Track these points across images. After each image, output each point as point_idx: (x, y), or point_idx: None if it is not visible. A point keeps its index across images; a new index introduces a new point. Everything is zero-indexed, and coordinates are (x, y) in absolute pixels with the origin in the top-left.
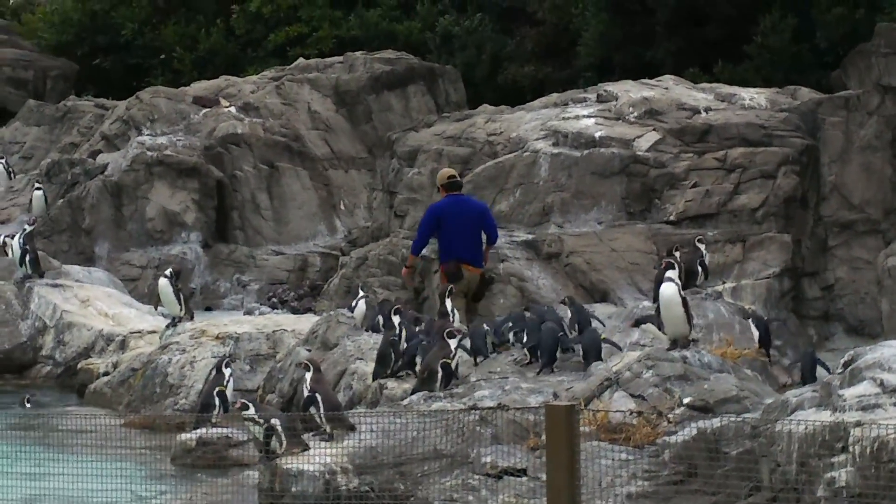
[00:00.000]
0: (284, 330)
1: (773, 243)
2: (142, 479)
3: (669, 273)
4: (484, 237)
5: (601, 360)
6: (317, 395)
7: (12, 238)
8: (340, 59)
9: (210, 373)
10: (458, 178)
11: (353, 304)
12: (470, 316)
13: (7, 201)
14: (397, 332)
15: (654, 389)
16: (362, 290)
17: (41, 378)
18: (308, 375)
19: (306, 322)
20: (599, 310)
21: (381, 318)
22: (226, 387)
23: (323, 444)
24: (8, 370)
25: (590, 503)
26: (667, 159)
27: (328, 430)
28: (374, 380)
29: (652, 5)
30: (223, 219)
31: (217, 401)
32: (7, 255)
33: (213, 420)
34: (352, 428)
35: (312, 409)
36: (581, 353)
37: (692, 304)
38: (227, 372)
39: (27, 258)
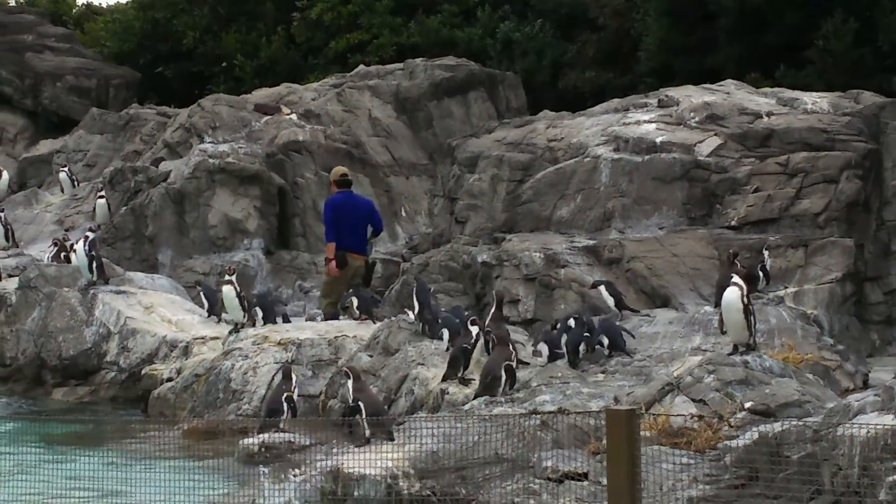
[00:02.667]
0: (346, 336)
1: (835, 248)
2: (204, 484)
3: (735, 278)
4: (370, 230)
5: (625, 344)
6: (360, 402)
7: (76, 244)
8: (401, 65)
9: (272, 378)
10: (349, 177)
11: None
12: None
13: (71, 209)
14: (473, 340)
15: (715, 394)
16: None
17: (105, 384)
18: (350, 383)
19: (367, 328)
20: (660, 315)
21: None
22: (293, 392)
23: (385, 447)
24: (73, 376)
25: None
26: (728, 164)
27: (368, 434)
28: (443, 381)
29: (713, 11)
30: (285, 225)
31: (285, 406)
32: (70, 262)
33: (282, 425)
34: (391, 436)
35: (357, 416)
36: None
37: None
38: (294, 378)
39: (94, 265)
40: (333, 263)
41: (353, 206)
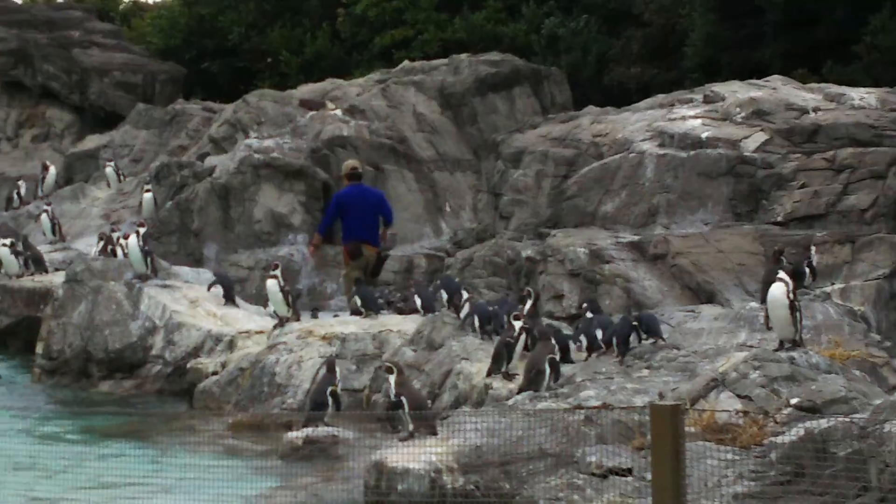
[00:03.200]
0: (390, 330)
1: (882, 244)
2: (249, 477)
3: (781, 274)
4: (381, 221)
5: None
6: (402, 397)
7: (125, 238)
8: (445, 61)
9: (317, 372)
10: (359, 170)
11: (464, 316)
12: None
13: (117, 203)
14: (515, 334)
15: (760, 390)
16: (466, 291)
17: (151, 377)
18: (391, 378)
19: (412, 323)
20: (705, 311)
21: (476, 318)
22: (337, 386)
23: (429, 441)
24: (119, 369)
25: (696, 503)
26: (774, 160)
27: (411, 429)
28: (487, 376)
29: (760, 6)
30: None
31: (330, 399)
32: (116, 256)
33: (326, 419)
34: (434, 430)
35: (399, 411)
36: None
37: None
38: (338, 372)
39: (148, 259)
40: (311, 250)
41: (362, 198)
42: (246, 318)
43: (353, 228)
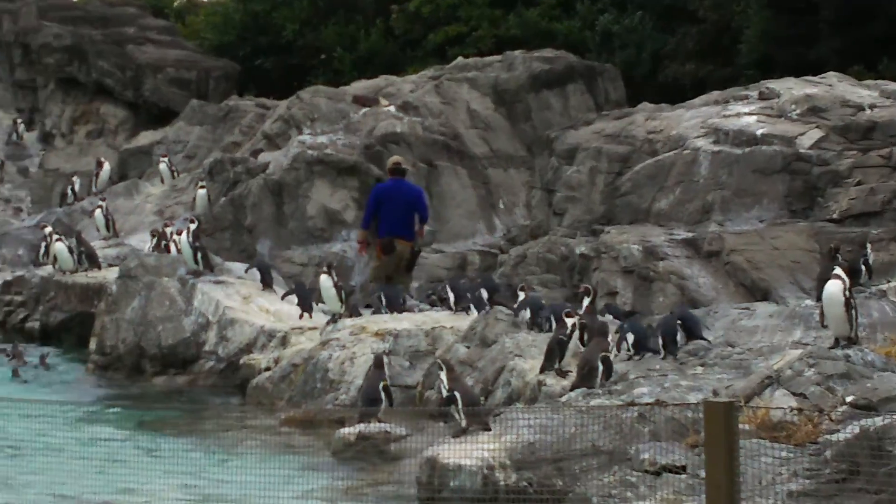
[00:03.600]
0: (443, 327)
1: None
2: (301, 473)
3: (837, 271)
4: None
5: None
6: (455, 392)
7: (178, 234)
8: (499, 58)
9: (368, 369)
10: (402, 166)
11: (517, 306)
12: (404, 279)
13: (171, 199)
14: (568, 332)
15: (815, 388)
16: (523, 291)
17: (204, 373)
18: (443, 375)
19: (465, 319)
20: (760, 308)
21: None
22: (387, 381)
23: (482, 438)
24: (172, 365)
25: (750, 501)
26: (830, 157)
27: (464, 425)
28: (540, 373)
29: (816, 2)
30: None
31: (382, 395)
32: (170, 251)
33: (380, 415)
34: (487, 426)
35: (452, 407)
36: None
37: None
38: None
39: (198, 255)
40: (361, 247)
41: (399, 194)
42: (299, 314)
43: (388, 222)
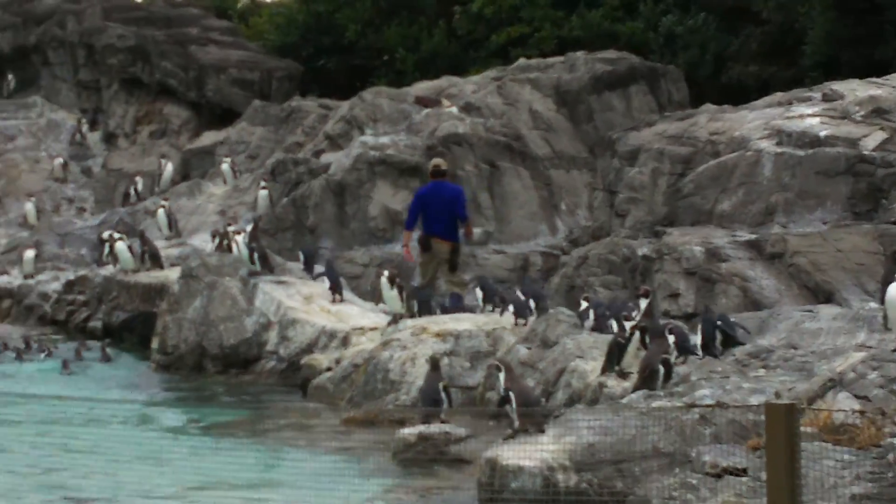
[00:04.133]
0: (504, 328)
1: None
2: (362, 474)
3: None
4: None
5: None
6: (510, 392)
7: (238, 234)
8: (562, 58)
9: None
10: (441, 168)
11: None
12: (450, 278)
13: (233, 200)
14: (627, 334)
15: (879, 391)
16: (585, 301)
17: (265, 373)
18: (501, 375)
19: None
20: (823, 311)
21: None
22: (451, 383)
23: (543, 439)
24: (233, 365)
25: None
26: (894, 159)
27: (517, 426)
28: (601, 374)
29: (880, 4)
30: None
31: (443, 396)
32: (232, 251)
33: (442, 416)
34: (541, 428)
35: (507, 407)
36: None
37: None
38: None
39: (255, 255)
40: (406, 251)
41: (438, 195)
42: (360, 315)
43: (428, 223)
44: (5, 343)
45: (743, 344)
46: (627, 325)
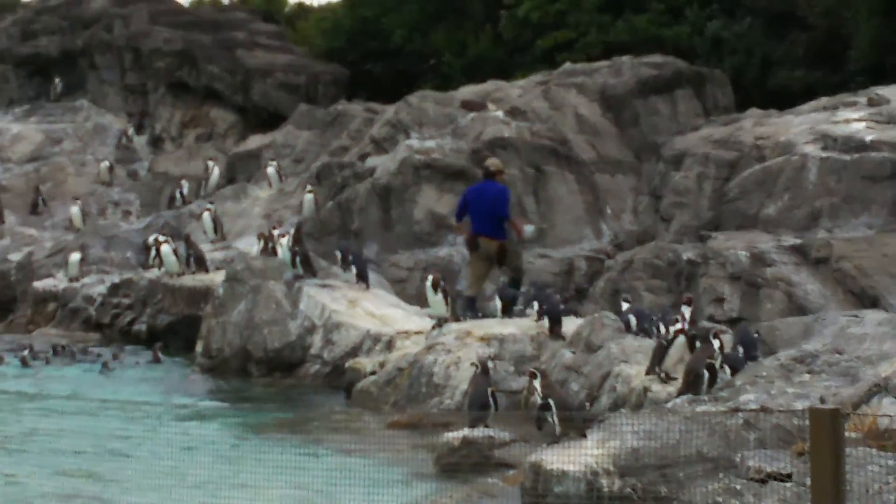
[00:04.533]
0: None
1: None
2: (406, 477)
3: None
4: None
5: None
6: (550, 399)
7: (282, 238)
8: (607, 63)
9: (473, 374)
10: (492, 168)
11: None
12: (511, 275)
13: (278, 203)
14: (669, 337)
15: None
16: (626, 301)
17: (309, 377)
18: (536, 383)
19: (571, 324)
20: (869, 316)
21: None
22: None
23: (587, 444)
24: (277, 368)
25: None
26: None
27: (558, 432)
28: (646, 374)
29: None
30: None
31: (491, 401)
32: (277, 255)
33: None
34: (582, 433)
35: (547, 414)
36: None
37: None
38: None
39: (297, 259)
40: (458, 231)
41: (482, 194)
42: (404, 318)
43: (473, 222)
44: (31, 346)
45: (757, 357)
46: (671, 328)
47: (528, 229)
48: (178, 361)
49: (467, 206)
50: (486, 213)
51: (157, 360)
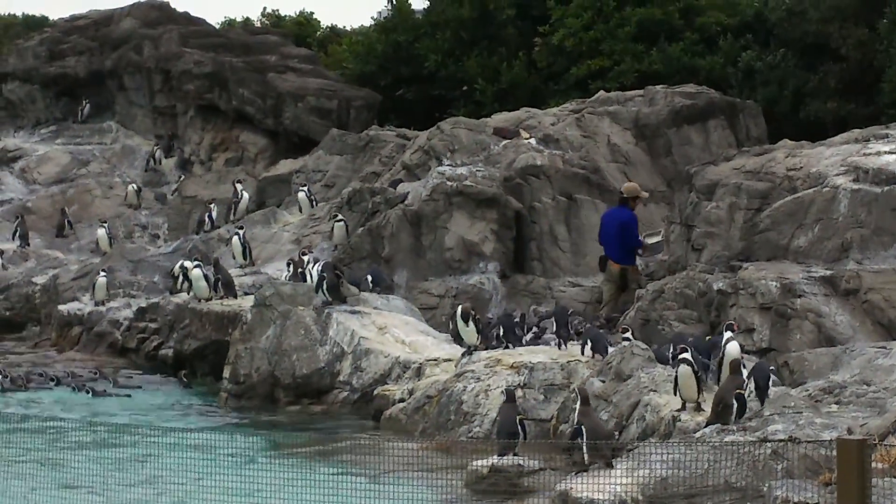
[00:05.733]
0: (579, 360)
1: None
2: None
3: None
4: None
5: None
6: (581, 427)
7: (314, 264)
8: (641, 92)
9: (503, 402)
10: (625, 195)
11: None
12: (625, 298)
13: (309, 229)
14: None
15: None
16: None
17: (338, 403)
18: (577, 406)
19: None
20: None
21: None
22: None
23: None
24: (306, 395)
25: None
26: None
27: (587, 461)
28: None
29: None
30: (521, 249)
31: (520, 429)
32: (306, 281)
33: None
34: (610, 463)
35: (578, 441)
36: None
37: None
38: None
39: (324, 285)
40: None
41: (609, 220)
42: (434, 346)
43: (603, 245)
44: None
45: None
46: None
47: (654, 239)
48: (204, 388)
49: (601, 228)
50: (613, 239)
51: (186, 386)
